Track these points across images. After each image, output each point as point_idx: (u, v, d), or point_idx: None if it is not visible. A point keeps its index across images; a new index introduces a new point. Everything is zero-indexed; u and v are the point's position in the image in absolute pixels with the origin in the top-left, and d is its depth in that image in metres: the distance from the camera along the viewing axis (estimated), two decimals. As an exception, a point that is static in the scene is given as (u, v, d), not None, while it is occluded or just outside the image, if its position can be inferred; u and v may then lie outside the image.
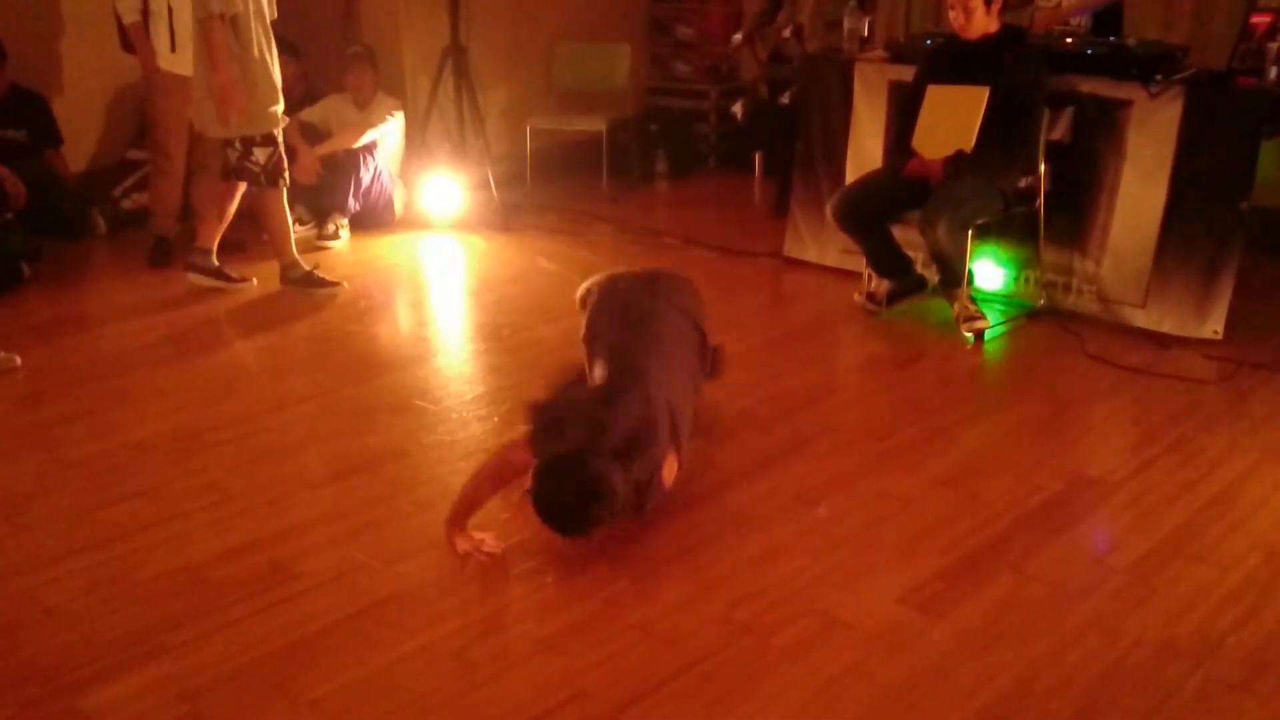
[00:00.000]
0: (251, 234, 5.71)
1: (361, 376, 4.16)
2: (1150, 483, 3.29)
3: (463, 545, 2.89)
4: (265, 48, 4.73)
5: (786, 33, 6.19)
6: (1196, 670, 2.46)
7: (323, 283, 5.04)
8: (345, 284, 5.07)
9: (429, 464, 3.46)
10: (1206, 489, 3.25)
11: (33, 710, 2.37)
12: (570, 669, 2.48)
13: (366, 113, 6.03)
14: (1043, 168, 4.46)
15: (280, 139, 4.84)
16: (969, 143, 4.26)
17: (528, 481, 2.80)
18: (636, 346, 3.10)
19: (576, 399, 3.05)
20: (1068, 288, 4.63)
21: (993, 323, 4.49)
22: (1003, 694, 2.39)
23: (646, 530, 3.00)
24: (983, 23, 4.31)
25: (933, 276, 4.57)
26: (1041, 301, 4.66)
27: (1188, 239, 4.31)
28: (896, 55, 5.01)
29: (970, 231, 4.26)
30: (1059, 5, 5.05)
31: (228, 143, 4.84)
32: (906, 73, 4.76)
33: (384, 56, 6.30)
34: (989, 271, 4.74)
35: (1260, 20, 4.38)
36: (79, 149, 5.97)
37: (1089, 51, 4.51)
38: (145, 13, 5.18)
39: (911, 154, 4.44)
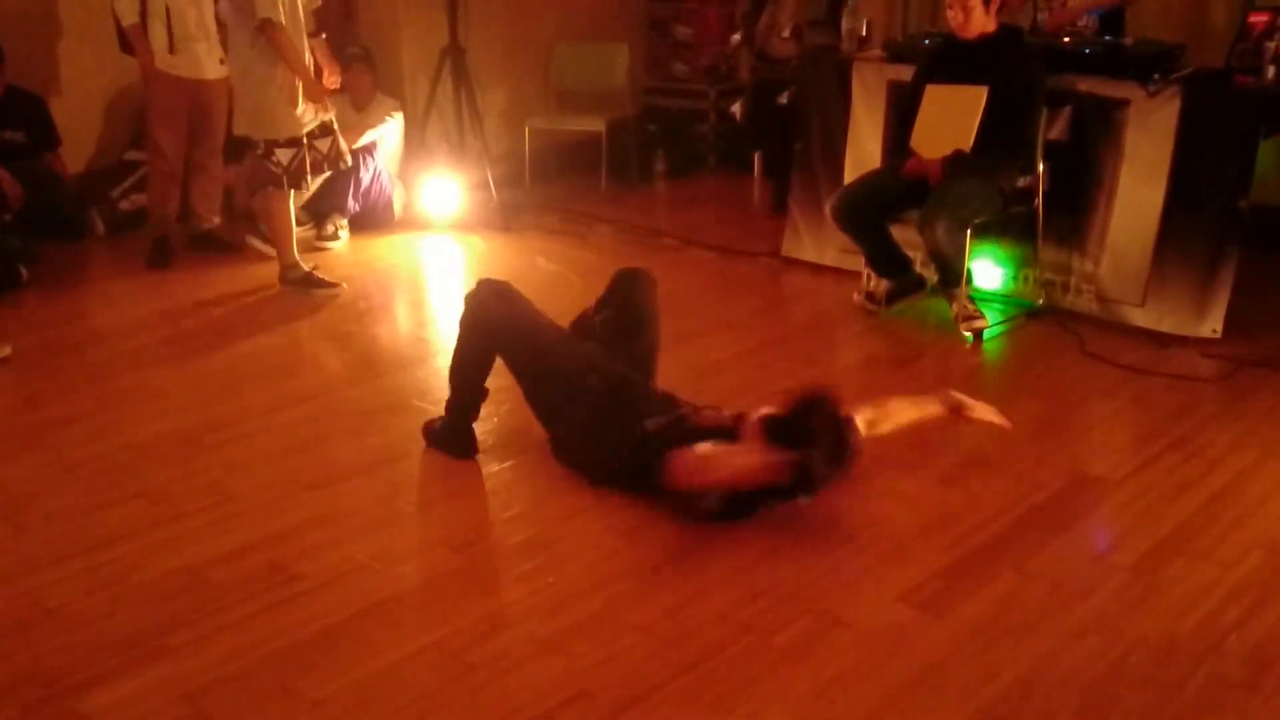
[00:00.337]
0: (249, 234, 5.73)
1: (361, 377, 4.16)
2: (1150, 481, 3.30)
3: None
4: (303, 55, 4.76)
5: (786, 33, 6.19)
6: (1198, 668, 2.46)
7: (322, 283, 5.04)
8: (344, 285, 5.07)
9: (429, 465, 3.46)
10: (1207, 487, 3.25)
11: (34, 712, 2.37)
12: (571, 669, 2.48)
13: (365, 114, 6.03)
14: (1041, 167, 4.46)
15: (305, 143, 4.85)
16: (967, 142, 4.26)
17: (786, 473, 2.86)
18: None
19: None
20: (1066, 287, 4.63)
21: (992, 322, 4.49)
22: (1004, 693, 2.40)
23: (646, 530, 3.00)
24: (981, 22, 4.31)
25: (932, 276, 4.58)
26: (1040, 301, 4.67)
27: (1186, 238, 4.32)
28: (895, 55, 5.01)
29: (969, 231, 4.27)
30: (1064, 4, 5.05)
31: (251, 144, 4.85)
32: (905, 72, 4.76)
33: (383, 57, 6.30)
34: (988, 271, 4.74)
35: (1258, 19, 4.39)
36: (77, 150, 5.96)
37: (1087, 51, 4.51)
38: (143, 14, 5.18)
39: (910, 153, 4.44)
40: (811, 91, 5.35)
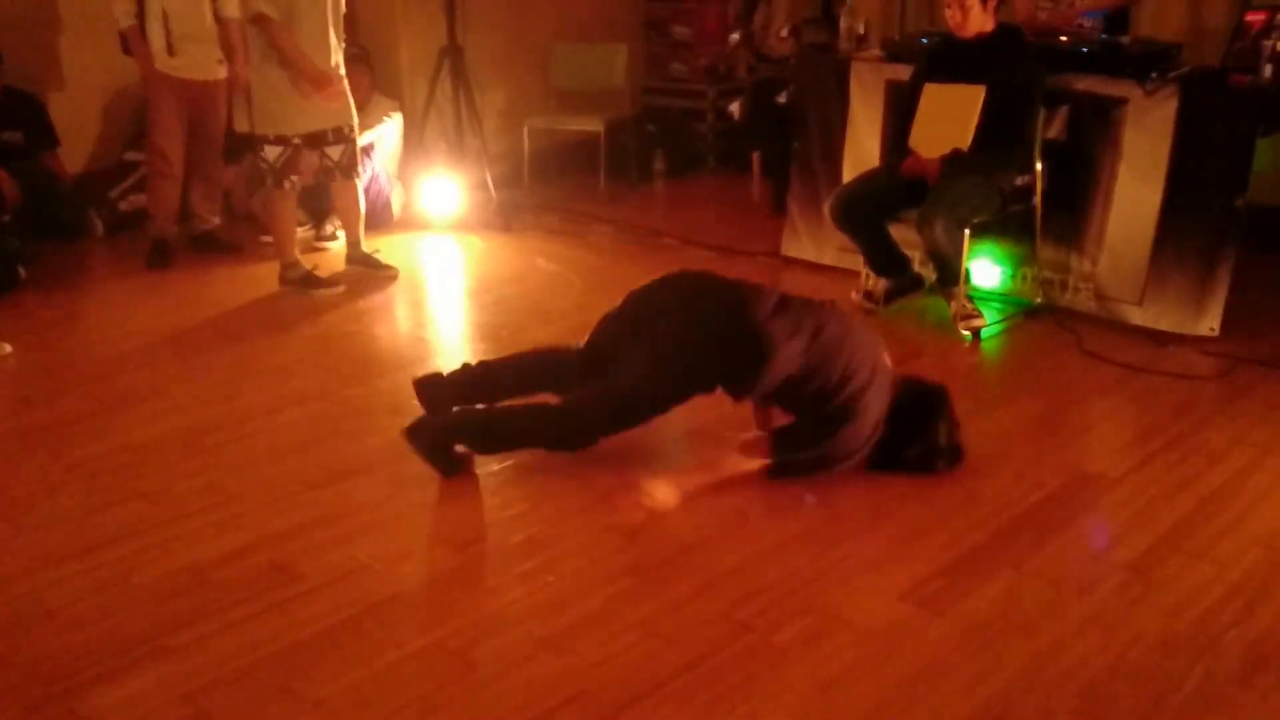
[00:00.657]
0: (249, 235, 5.74)
1: (361, 377, 4.16)
2: (1149, 479, 3.30)
3: None
4: (310, 54, 4.77)
5: (784, 32, 6.20)
6: (1196, 666, 2.47)
7: (321, 283, 5.05)
8: (343, 285, 5.07)
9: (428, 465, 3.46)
10: (1205, 485, 3.26)
11: (34, 713, 2.38)
12: (571, 668, 2.49)
13: (363, 114, 6.00)
14: (1039, 166, 4.47)
15: (298, 142, 4.85)
16: (965, 141, 4.27)
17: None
18: None
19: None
20: (1065, 285, 4.64)
21: (990, 321, 4.50)
22: (1003, 690, 2.40)
23: (645, 529, 3.01)
24: (979, 21, 4.32)
25: (930, 275, 4.58)
26: (1038, 299, 4.67)
27: (1184, 236, 4.32)
28: (893, 54, 5.02)
29: (967, 230, 4.27)
30: (1071, 3, 5.05)
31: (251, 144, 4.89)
32: (903, 72, 4.77)
33: (381, 57, 6.31)
34: (986, 270, 4.75)
35: (1255, 18, 4.40)
36: (76, 150, 5.96)
37: (1084, 50, 4.52)
38: (141, 16, 5.18)
39: (908, 153, 4.45)
40: (810, 91, 5.36)
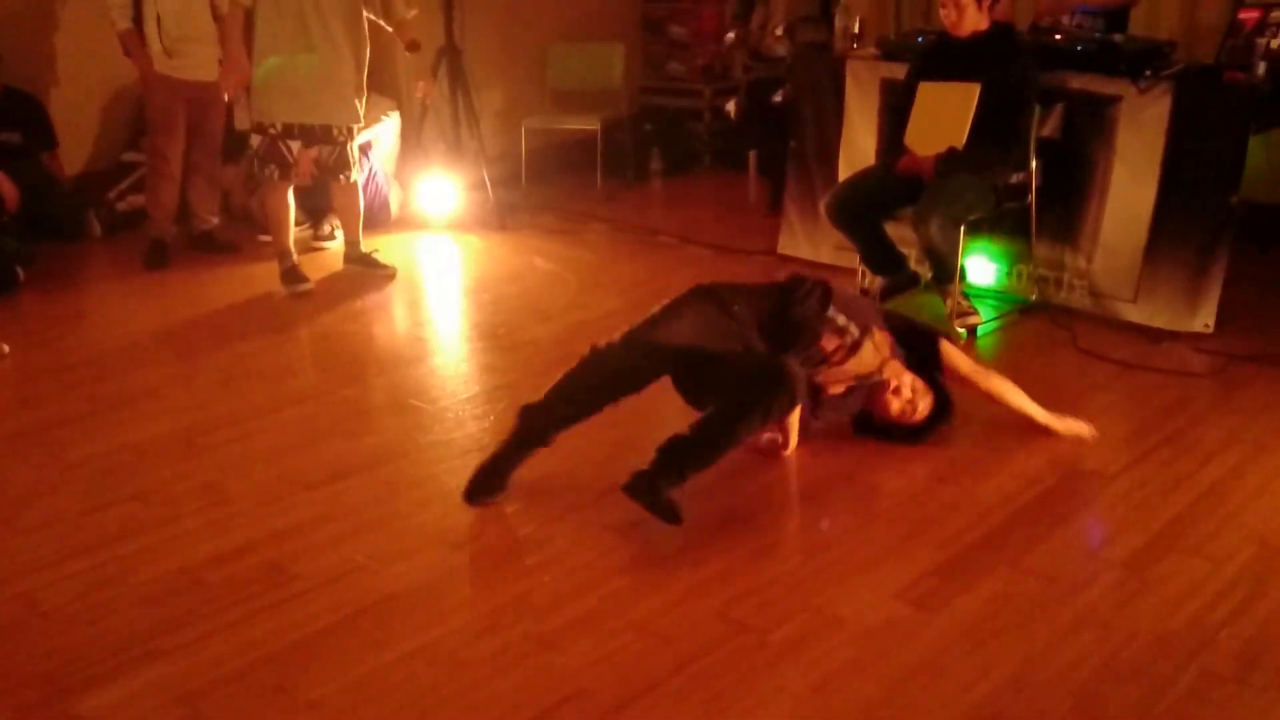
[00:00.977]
0: (248, 235, 5.74)
1: (358, 377, 4.17)
2: (1144, 476, 3.31)
3: None
4: (285, 45, 4.75)
5: (779, 31, 6.20)
6: (1190, 663, 2.47)
7: (301, 279, 5.02)
8: (312, 284, 5.04)
9: (426, 464, 3.47)
10: (1200, 482, 3.27)
11: (30, 714, 2.38)
12: (568, 667, 2.50)
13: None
14: (1034, 164, 4.47)
15: (275, 131, 4.84)
16: (961, 139, 4.27)
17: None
18: None
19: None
20: (1059, 283, 4.65)
21: (985, 318, 4.51)
22: (999, 688, 2.41)
23: (642, 528, 3.01)
24: (974, 20, 4.32)
25: (926, 273, 4.59)
26: (1033, 297, 4.68)
27: (1178, 233, 4.33)
28: (888, 53, 5.02)
29: (962, 228, 4.28)
30: None
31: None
32: (898, 70, 4.77)
33: (379, 57, 6.29)
34: (981, 267, 4.76)
35: (1248, 16, 4.41)
36: (75, 151, 5.96)
37: (1078, 48, 4.52)
38: (139, 18, 5.19)
39: (904, 151, 4.45)
40: (805, 90, 5.37)
